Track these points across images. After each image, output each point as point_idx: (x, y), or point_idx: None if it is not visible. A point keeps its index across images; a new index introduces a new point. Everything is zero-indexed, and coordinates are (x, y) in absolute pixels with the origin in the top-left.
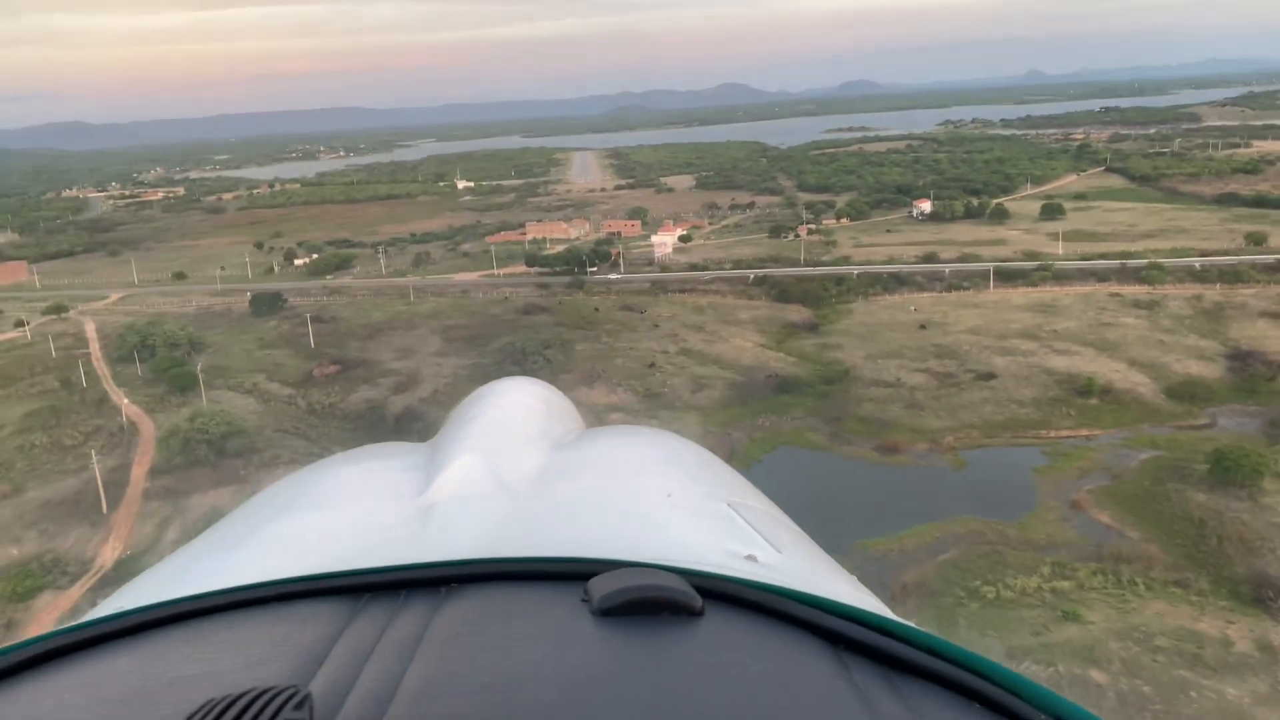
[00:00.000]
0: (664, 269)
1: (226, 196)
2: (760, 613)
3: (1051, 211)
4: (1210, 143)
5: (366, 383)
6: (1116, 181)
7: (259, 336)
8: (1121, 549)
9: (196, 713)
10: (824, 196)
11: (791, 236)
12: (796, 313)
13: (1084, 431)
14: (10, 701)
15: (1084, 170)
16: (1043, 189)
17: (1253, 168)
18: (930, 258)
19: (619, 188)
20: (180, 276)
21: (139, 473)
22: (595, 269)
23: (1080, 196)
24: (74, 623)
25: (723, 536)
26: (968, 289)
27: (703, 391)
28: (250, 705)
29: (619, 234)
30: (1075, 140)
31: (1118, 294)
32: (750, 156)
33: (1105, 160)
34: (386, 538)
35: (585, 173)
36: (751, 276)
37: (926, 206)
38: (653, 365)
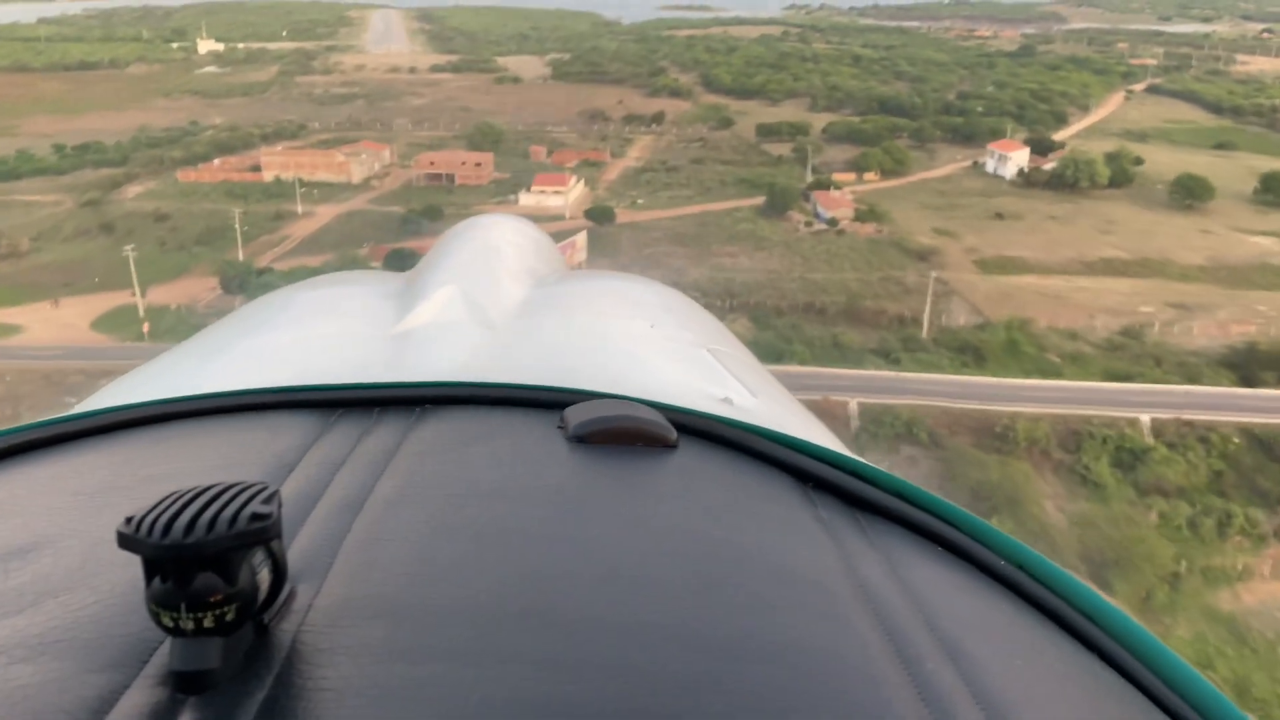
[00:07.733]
0: None
1: None
2: (732, 449)
3: (1277, 188)
4: (1220, 57)
5: None
6: (1197, 113)
7: None
8: None
9: (160, 503)
10: (755, 104)
11: (817, 223)
12: None
13: None
14: None
15: (1130, 91)
16: (1096, 118)
17: None
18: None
19: (437, 69)
20: None
21: None
22: None
23: (1223, 146)
24: (42, 419)
25: (700, 379)
26: None
27: None
28: (217, 498)
29: (449, 178)
30: (981, 38)
31: None
32: (596, 32)
33: (1146, 78)
34: (361, 359)
35: (387, 39)
36: (854, 406)
37: (1022, 157)
38: None
